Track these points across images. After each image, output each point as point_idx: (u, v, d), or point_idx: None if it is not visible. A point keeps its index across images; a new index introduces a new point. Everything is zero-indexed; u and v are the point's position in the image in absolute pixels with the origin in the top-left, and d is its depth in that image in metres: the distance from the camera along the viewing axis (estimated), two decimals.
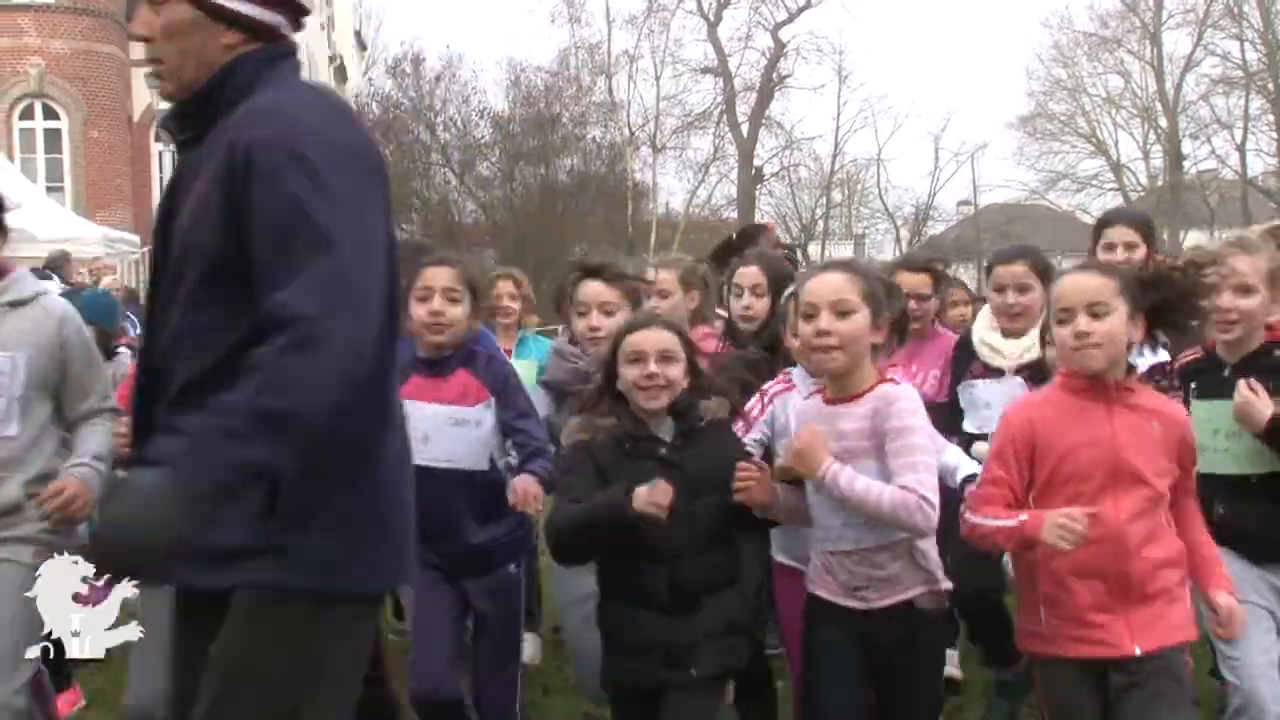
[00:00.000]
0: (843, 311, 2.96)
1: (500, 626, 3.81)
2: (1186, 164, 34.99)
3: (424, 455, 3.30)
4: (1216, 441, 3.35)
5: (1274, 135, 34.09)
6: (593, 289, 3.92)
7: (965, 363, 4.38)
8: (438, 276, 3.69)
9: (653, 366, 3.11)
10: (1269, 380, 3.33)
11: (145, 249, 16.91)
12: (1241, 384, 3.31)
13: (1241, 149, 34.47)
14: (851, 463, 2.92)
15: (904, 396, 2.99)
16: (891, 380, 3.06)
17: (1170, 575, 2.90)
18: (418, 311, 3.66)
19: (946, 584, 3.04)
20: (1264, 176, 34.47)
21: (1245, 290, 3.38)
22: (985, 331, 4.35)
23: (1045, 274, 4.18)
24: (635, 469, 3.03)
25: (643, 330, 3.19)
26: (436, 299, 3.66)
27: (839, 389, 3.05)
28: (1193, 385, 3.54)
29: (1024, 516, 2.84)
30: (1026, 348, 4.17)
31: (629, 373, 3.12)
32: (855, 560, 2.99)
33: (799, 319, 3.06)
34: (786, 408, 3.44)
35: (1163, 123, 35.29)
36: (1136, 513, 2.87)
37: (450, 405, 3.64)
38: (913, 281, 4.79)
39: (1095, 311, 2.89)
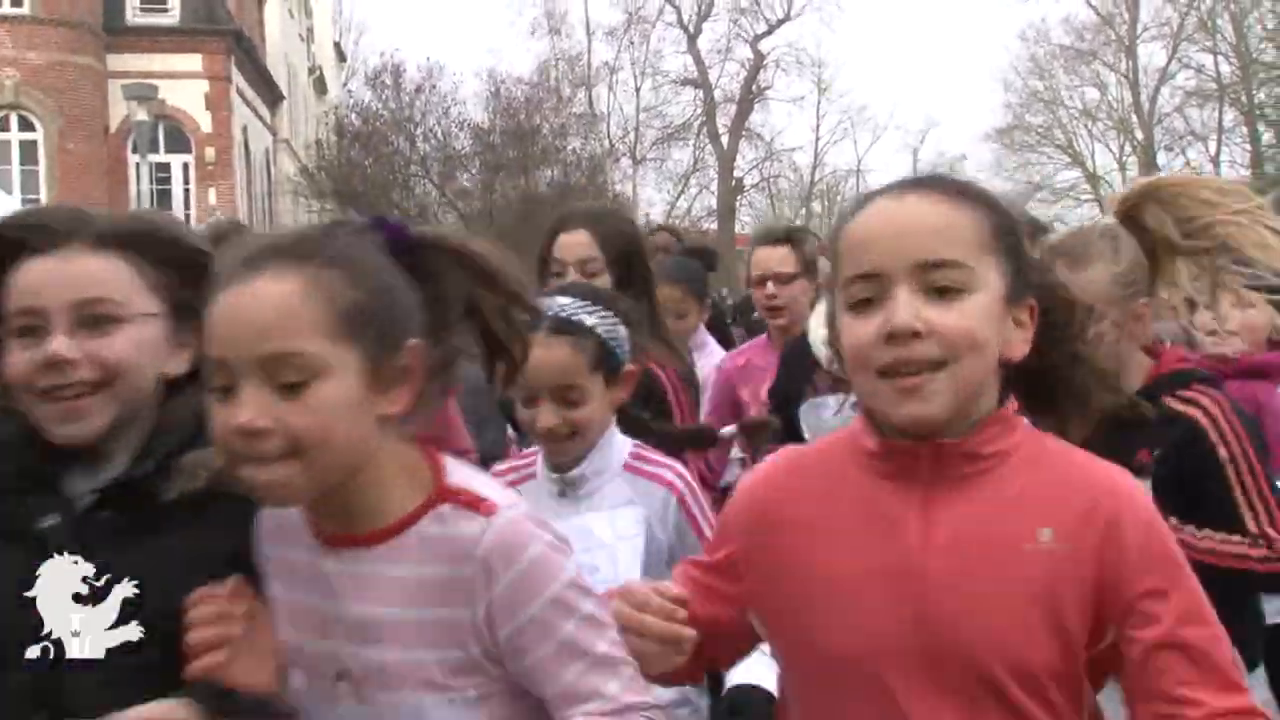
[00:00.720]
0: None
1: None
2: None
3: None
4: None
5: (1247, 148, 34.35)
6: None
7: (802, 375, 3.14)
8: None
9: (56, 344, 1.44)
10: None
11: None
12: None
13: (1215, 161, 34.65)
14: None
15: (529, 540, 1.35)
16: (481, 503, 1.36)
17: None
18: None
19: None
20: None
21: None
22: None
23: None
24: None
25: (43, 260, 1.47)
26: None
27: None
28: None
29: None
30: None
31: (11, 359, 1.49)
32: None
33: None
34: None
35: (1138, 134, 35.50)
36: None
37: None
38: (770, 258, 3.57)
39: (936, 281, 1.31)
